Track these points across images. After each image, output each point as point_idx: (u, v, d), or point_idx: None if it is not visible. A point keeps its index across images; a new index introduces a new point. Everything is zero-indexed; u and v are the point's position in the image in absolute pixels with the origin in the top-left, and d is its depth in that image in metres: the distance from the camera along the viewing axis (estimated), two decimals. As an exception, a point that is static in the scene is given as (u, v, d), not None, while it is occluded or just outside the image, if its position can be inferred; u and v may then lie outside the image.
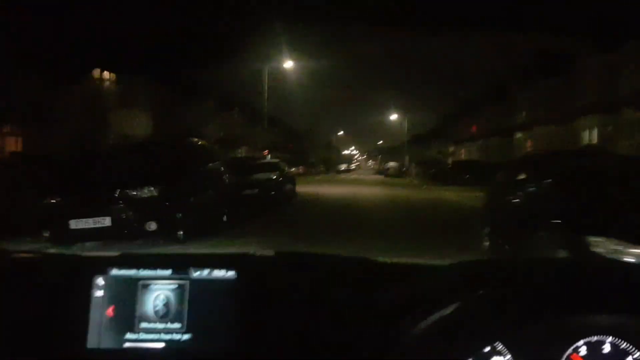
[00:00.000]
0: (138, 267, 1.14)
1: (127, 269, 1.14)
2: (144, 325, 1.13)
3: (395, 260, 1.31)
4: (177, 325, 1.13)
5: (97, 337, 1.11)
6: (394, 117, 60.51)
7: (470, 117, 41.14)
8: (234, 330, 1.12)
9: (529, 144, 29.33)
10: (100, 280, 1.13)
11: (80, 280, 1.12)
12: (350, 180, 35.54)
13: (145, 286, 1.14)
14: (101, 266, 1.13)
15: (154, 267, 1.14)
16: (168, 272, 1.15)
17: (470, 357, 0.99)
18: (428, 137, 55.48)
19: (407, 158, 51.51)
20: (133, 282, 1.14)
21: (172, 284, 1.14)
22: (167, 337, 1.13)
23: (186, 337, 1.13)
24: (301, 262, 1.45)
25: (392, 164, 49.46)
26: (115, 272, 1.14)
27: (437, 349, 0.88)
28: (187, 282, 1.14)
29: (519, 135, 31.31)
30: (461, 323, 0.87)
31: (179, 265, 1.15)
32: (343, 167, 67.23)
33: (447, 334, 0.88)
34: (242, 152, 35.03)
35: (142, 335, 1.12)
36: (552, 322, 1.18)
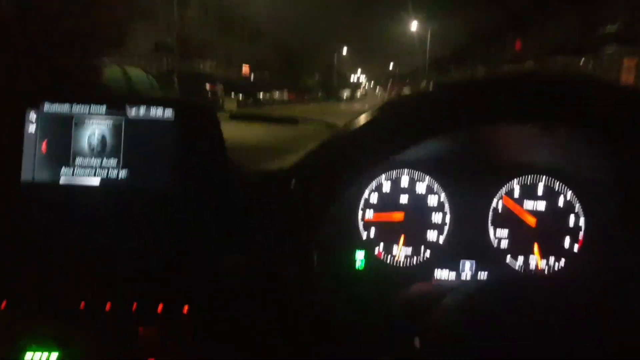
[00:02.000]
0: (71, 101, 1.12)
1: (60, 103, 1.12)
2: (79, 161, 1.12)
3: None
4: (113, 161, 1.12)
5: (31, 172, 1.10)
6: (412, 26, 54.42)
7: (514, 31, 34.50)
8: (171, 171, 1.12)
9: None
10: (32, 115, 1.11)
11: (12, 114, 1.10)
12: (351, 113, 27.53)
13: (80, 123, 1.12)
14: (33, 101, 1.11)
15: (88, 102, 1.12)
16: (103, 107, 1.13)
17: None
18: (453, 59, 50.73)
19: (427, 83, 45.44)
20: (66, 118, 1.12)
21: (107, 121, 1.13)
22: (103, 172, 1.12)
23: (122, 173, 1.12)
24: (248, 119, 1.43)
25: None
26: (47, 107, 1.11)
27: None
28: (123, 120, 1.13)
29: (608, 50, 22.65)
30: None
31: (115, 102, 1.13)
32: (346, 94, 58.75)
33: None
34: (208, 65, 29.77)
35: (78, 171, 1.12)
36: (483, 159, 1.17)
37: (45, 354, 0.92)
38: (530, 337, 0.61)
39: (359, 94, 77.55)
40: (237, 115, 1.59)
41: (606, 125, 0.72)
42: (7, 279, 0.95)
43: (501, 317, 0.65)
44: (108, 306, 0.95)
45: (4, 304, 0.93)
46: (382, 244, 1.20)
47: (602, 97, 0.71)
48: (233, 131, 1.32)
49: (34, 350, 0.92)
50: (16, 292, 0.94)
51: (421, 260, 1.20)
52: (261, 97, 29.64)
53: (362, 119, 0.85)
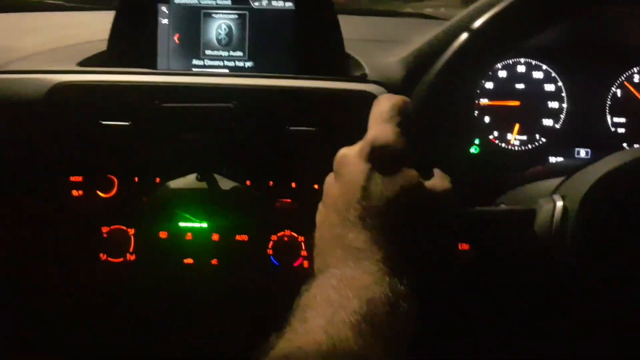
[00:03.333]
0: None
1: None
2: (208, 52, 1.19)
3: None
4: (239, 53, 1.19)
5: (166, 61, 1.19)
6: None
7: None
8: (294, 59, 1.17)
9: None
10: (164, 8, 1.18)
11: (146, 8, 1.17)
12: None
13: (207, 15, 1.18)
14: None
15: None
16: (228, 2, 1.18)
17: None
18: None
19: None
20: (196, 10, 1.18)
21: (232, 14, 1.18)
22: (231, 64, 1.19)
23: (249, 64, 1.19)
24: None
25: None
26: (178, 1, 1.18)
27: None
28: (246, 12, 1.18)
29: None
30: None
31: None
32: None
33: None
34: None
35: (208, 62, 1.19)
36: (604, 44, 1.14)
37: (196, 224, 1.04)
38: None
39: None
40: (349, 9, 1.61)
41: None
42: (157, 156, 1.05)
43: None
44: (248, 182, 1.04)
45: (158, 179, 1.03)
46: (496, 130, 1.22)
47: None
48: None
49: (186, 221, 1.03)
50: (167, 170, 1.03)
51: (536, 145, 1.22)
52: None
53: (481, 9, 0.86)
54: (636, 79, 1.18)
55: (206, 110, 1.01)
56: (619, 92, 1.19)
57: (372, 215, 0.57)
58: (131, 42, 1.17)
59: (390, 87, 1.02)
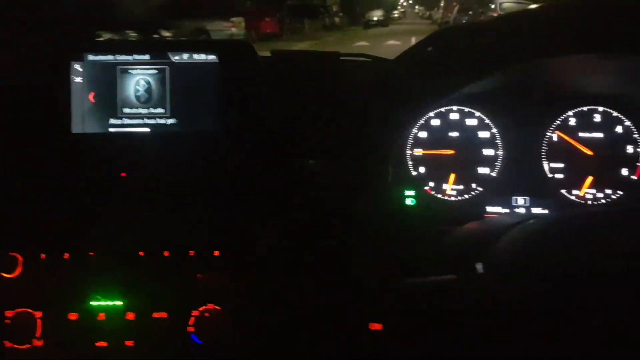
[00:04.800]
0: (114, 53, 1.11)
1: (103, 55, 1.11)
2: (126, 110, 1.12)
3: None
4: (160, 110, 1.13)
5: (81, 123, 1.12)
6: None
7: None
8: (218, 114, 1.11)
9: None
10: (78, 66, 1.11)
11: (58, 67, 1.11)
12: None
13: (124, 71, 1.12)
14: (77, 52, 1.11)
15: (131, 52, 1.12)
16: (146, 57, 1.12)
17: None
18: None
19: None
20: (111, 67, 1.12)
21: (152, 69, 1.12)
22: (151, 121, 1.12)
23: (171, 121, 1.13)
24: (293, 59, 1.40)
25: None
26: (92, 57, 1.11)
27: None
28: (167, 67, 1.12)
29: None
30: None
31: (158, 50, 1.12)
32: (376, 16, 38.94)
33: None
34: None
35: (126, 121, 1.12)
36: (537, 90, 1.12)
37: (109, 302, 0.96)
38: (597, 265, 0.60)
39: (397, 13, 69.03)
40: (279, 53, 1.56)
41: None
42: (66, 231, 0.98)
43: (566, 247, 0.64)
44: (166, 253, 0.97)
45: (66, 255, 0.96)
46: (432, 181, 1.19)
47: None
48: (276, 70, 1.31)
49: (98, 300, 0.96)
50: (76, 244, 0.97)
51: (473, 195, 1.18)
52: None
53: (414, 54, 0.82)
54: (571, 122, 1.16)
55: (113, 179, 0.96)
56: (554, 137, 1.16)
57: None
58: (43, 104, 1.10)
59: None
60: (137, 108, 1.12)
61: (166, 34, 10.78)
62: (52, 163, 1.04)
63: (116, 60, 1.12)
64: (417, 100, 0.80)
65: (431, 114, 1.17)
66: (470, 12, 26.79)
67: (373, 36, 24.63)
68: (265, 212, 0.98)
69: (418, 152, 1.18)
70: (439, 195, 1.19)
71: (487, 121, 1.17)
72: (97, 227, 0.98)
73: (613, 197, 1.15)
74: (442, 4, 40.50)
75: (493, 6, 20.57)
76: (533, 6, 0.73)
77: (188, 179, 1.06)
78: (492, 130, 1.17)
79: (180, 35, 12.13)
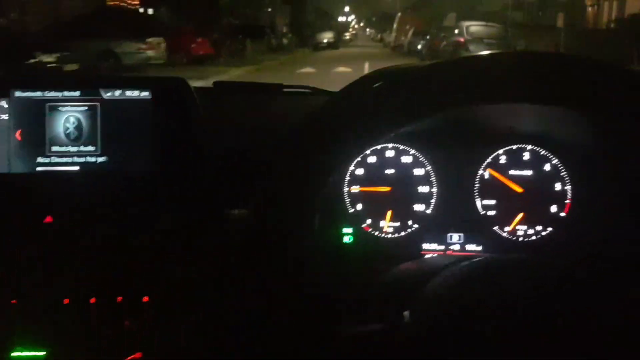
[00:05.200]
0: (43, 89, 1.08)
1: (31, 91, 1.08)
2: (55, 149, 1.09)
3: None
4: (90, 148, 1.10)
5: (6, 163, 1.07)
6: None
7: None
8: (150, 153, 1.09)
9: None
10: (4, 103, 1.08)
11: None
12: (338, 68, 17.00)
13: (54, 108, 1.09)
14: (3, 88, 1.07)
15: (61, 89, 1.09)
16: (76, 93, 1.09)
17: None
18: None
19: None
20: (39, 103, 1.09)
21: (82, 106, 1.09)
22: (82, 160, 1.09)
23: (101, 159, 1.10)
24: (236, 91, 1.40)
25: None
26: (19, 93, 1.08)
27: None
28: (98, 104, 1.10)
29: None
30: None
31: (88, 86, 1.10)
32: (326, 38, 37.54)
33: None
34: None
35: (55, 159, 1.09)
36: (468, 129, 1.15)
37: (31, 353, 0.92)
38: (525, 309, 0.61)
39: (348, 35, 65.40)
40: (220, 85, 1.55)
41: (596, 104, 0.70)
42: None
43: (489, 295, 0.64)
44: (92, 300, 0.94)
45: None
46: (369, 218, 1.19)
47: (594, 79, 0.69)
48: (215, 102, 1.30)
49: (20, 350, 0.92)
50: None
51: (409, 232, 1.19)
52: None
53: (352, 95, 0.83)
54: (502, 160, 1.19)
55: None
56: (486, 175, 1.19)
57: None
58: None
59: None
60: (66, 146, 1.09)
61: (48, 59, 9.87)
62: None
63: (45, 96, 1.09)
64: (352, 142, 0.81)
65: (367, 151, 1.18)
66: (428, 37, 25.48)
67: (322, 60, 23.12)
68: (195, 258, 0.96)
69: (355, 189, 1.19)
70: (377, 233, 1.19)
71: (421, 159, 1.18)
72: (20, 274, 0.95)
73: (543, 233, 1.17)
74: (394, 26, 39.95)
75: (457, 31, 19.25)
76: (485, 52, 0.74)
77: (118, 221, 1.03)
78: (427, 168, 1.19)
79: (84, 59, 11.31)
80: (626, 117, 0.70)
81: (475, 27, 19.15)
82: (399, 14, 41.86)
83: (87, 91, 1.10)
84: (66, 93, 1.09)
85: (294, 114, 1.19)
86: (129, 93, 1.10)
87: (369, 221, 1.19)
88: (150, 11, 22.62)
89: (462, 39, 18.71)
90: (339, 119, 0.80)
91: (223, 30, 22.51)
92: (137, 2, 23.04)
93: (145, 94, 1.11)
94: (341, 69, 17.02)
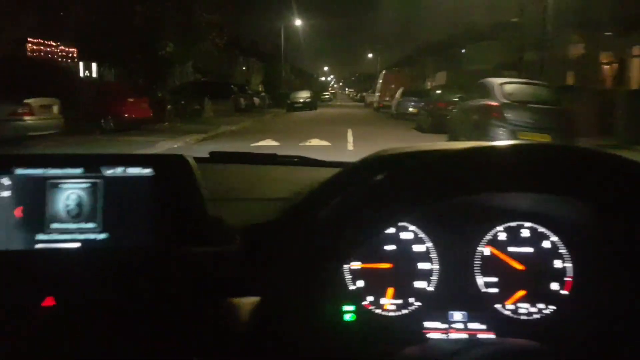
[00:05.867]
0: (45, 167, 1.08)
1: (33, 169, 1.08)
2: (55, 225, 1.08)
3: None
4: (91, 225, 1.09)
5: (5, 239, 1.06)
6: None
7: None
8: (153, 228, 1.09)
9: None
10: (5, 180, 1.07)
11: None
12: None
13: (55, 185, 1.08)
14: (5, 166, 1.07)
15: (63, 167, 1.09)
16: (79, 170, 1.09)
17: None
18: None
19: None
20: (41, 181, 1.08)
21: (84, 183, 1.09)
22: (82, 237, 1.08)
23: (102, 236, 1.09)
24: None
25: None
26: (20, 171, 1.07)
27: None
28: (100, 181, 1.09)
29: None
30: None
31: (90, 164, 1.10)
32: (302, 98, 35.15)
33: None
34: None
35: (55, 236, 1.08)
36: (467, 206, 1.16)
37: None
38: None
39: (328, 94, 64.70)
40: (217, 156, 1.56)
41: (597, 195, 0.72)
42: None
43: None
44: None
45: None
46: (370, 295, 1.18)
47: (594, 171, 0.71)
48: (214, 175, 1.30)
49: None
50: None
51: (411, 310, 1.18)
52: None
53: (355, 179, 0.83)
54: (501, 237, 1.20)
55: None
56: (486, 252, 1.19)
57: None
58: None
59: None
60: (66, 223, 1.08)
61: None
62: None
63: (46, 174, 1.08)
64: (365, 231, 0.81)
65: None
66: (423, 103, 19.64)
67: (293, 127, 18.93)
68: (203, 343, 0.94)
69: (356, 265, 1.18)
70: (378, 311, 1.18)
71: (421, 235, 1.19)
72: (19, 349, 0.92)
73: (546, 311, 1.17)
74: (378, 85, 36.36)
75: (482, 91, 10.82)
76: (496, 143, 0.75)
77: (119, 299, 1.01)
78: (427, 244, 1.19)
79: None
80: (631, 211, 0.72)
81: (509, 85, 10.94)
82: (384, 72, 38.57)
83: (89, 169, 1.10)
84: (68, 170, 1.09)
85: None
86: (130, 170, 1.11)
87: (370, 298, 1.18)
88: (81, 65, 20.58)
89: (494, 103, 10.65)
90: (351, 210, 0.79)
91: (170, 89, 19.94)
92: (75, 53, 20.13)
93: (147, 171, 1.11)
94: (314, 141, 12.98)
